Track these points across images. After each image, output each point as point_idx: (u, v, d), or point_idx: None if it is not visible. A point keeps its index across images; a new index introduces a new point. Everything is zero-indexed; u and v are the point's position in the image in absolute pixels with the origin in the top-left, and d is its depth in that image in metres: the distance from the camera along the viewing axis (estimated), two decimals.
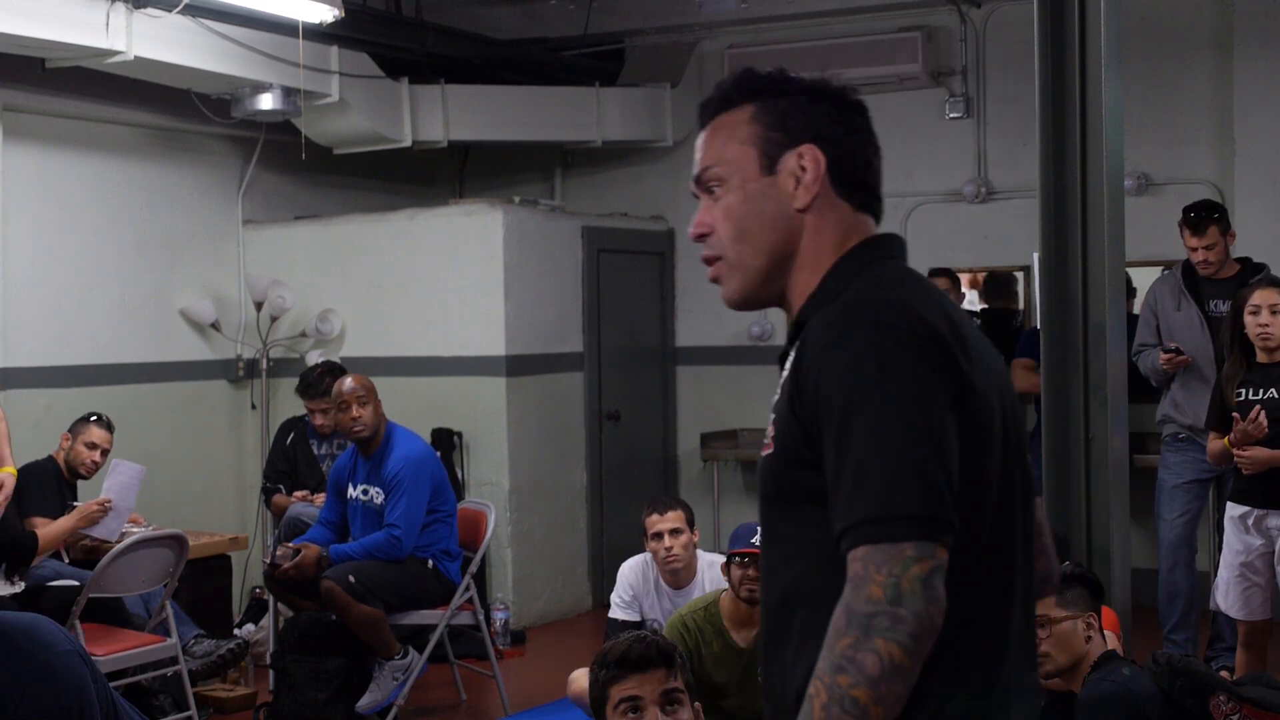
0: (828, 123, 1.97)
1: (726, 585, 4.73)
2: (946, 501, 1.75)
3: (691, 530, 5.32)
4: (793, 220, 1.97)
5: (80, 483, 6.40)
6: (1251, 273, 6.21)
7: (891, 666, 1.69)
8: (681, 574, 5.30)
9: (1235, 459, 5.35)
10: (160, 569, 5.67)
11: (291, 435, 7.19)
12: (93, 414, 6.42)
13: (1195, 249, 6.29)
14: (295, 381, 7.41)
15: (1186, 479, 6.35)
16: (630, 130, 8.88)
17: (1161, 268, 7.14)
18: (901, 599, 1.70)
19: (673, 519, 5.26)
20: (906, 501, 1.73)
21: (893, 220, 8.31)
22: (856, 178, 1.99)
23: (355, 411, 6.03)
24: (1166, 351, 6.21)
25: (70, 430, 6.38)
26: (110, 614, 5.81)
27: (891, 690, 1.69)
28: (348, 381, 6.12)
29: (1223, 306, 6.19)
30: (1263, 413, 5.24)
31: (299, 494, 6.92)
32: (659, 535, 5.25)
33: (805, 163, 1.96)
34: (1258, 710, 4.78)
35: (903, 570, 1.70)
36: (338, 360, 7.39)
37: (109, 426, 6.39)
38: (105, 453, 6.36)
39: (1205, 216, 6.29)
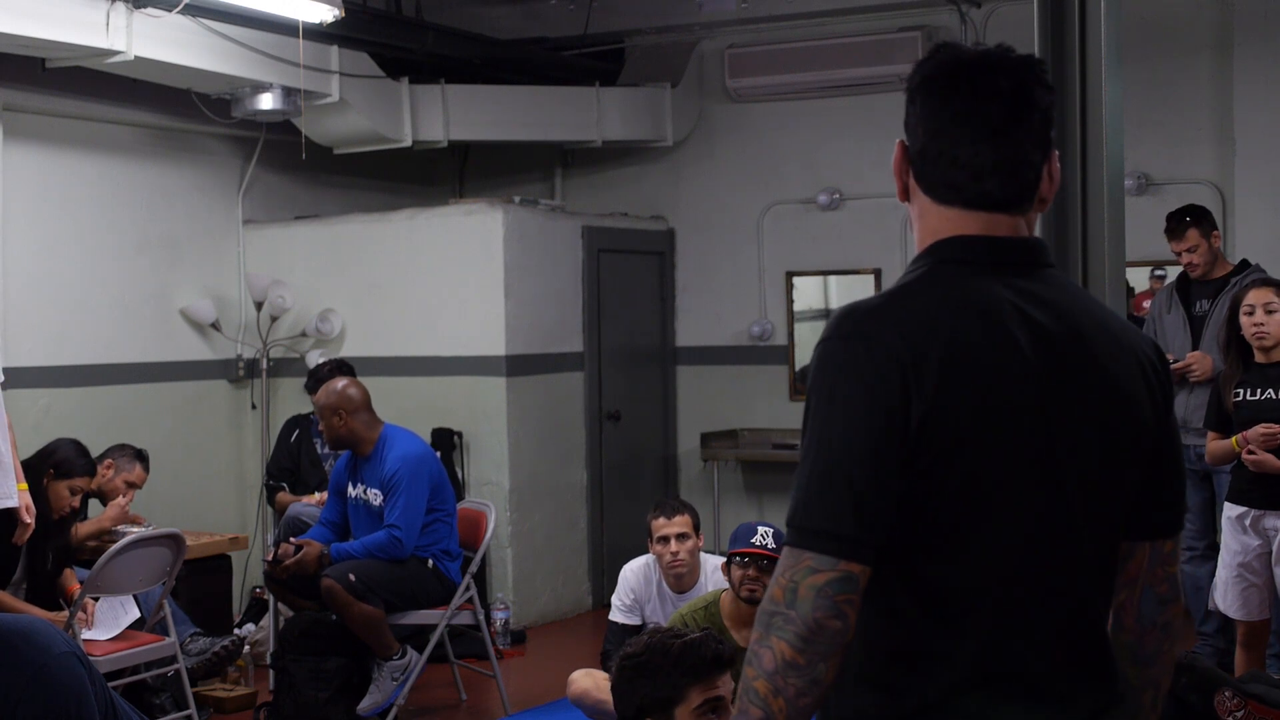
0: (909, 113, 1.97)
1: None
2: (858, 520, 1.79)
3: (697, 535, 5.32)
4: (910, 211, 2.01)
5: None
6: (1240, 273, 6.26)
7: (784, 662, 1.78)
8: (685, 578, 5.29)
9: (1243, 458, 5.35)
10: (158, 568, 5.66)
11: (296, 433, 7.20)
12: (140, 449, 6.46)
13: (1179, 253, 6.42)
14: (295, 381, 7.42)
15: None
16: (630, 130, 8.88)
17: (1161, 267, 7.17)
18: (795, 603, 1.79)
19: (680, 523, 5.25)
20: (817, 514, 1.81)
21: (893, 220, 8.32)
22: (931, 171, 1.94)
23: (321, 425, 6.17)
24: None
25: (113, 458, 6.37)
26: None
27: (788, 683, 1.78)
28: (320, 394, 6.16)
29: (1207, 305, 6.28)
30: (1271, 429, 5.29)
31: (314, 497, 6.85)
32: (665, 539, 5.25)
33: (893, 156, 2.00)
34: (1263, 706, 4.77)
35: (802, 577, 1.79)
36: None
37: (147, 466, 6.45)
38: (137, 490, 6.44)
39: (1182, 220, 6.42)
